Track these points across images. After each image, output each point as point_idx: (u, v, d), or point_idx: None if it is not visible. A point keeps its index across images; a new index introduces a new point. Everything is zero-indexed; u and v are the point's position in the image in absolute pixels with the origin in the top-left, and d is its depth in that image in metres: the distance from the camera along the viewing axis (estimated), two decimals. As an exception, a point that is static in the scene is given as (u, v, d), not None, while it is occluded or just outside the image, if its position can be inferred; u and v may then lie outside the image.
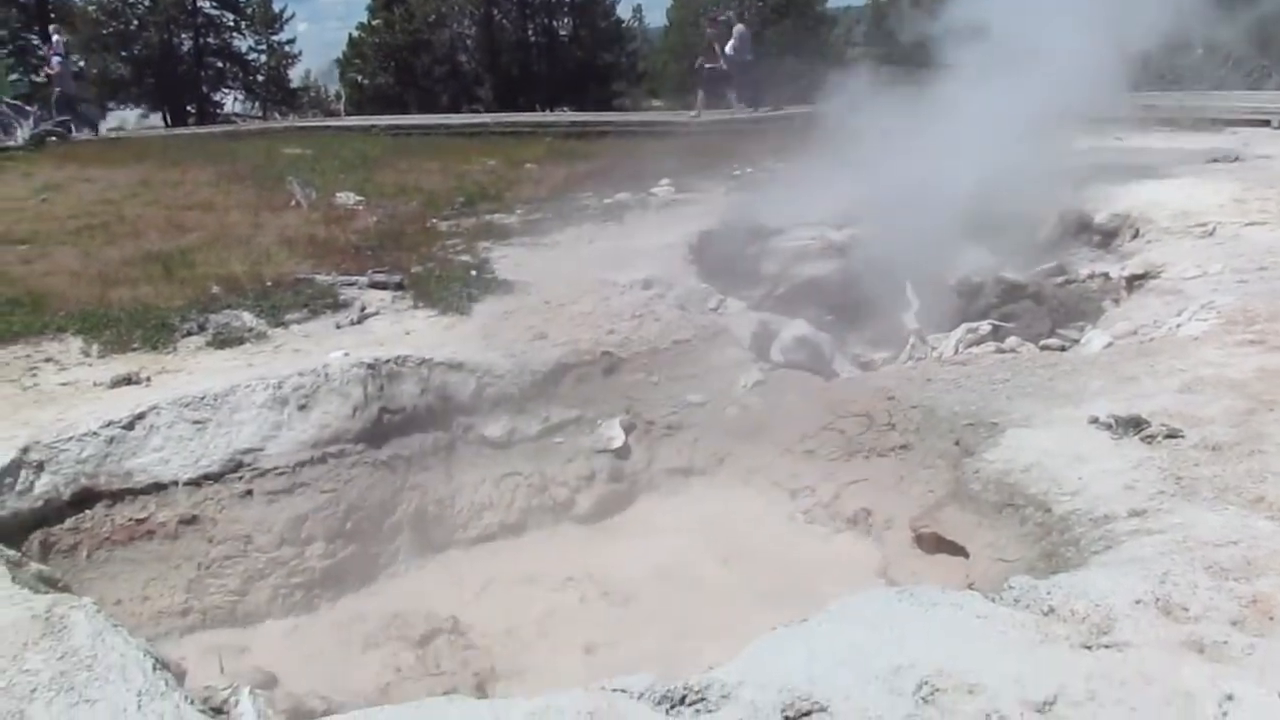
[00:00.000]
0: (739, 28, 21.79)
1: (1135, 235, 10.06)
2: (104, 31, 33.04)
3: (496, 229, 11.61)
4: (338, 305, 8.46)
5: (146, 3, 33.68)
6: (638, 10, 38.70)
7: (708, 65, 22.18)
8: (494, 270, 9.58)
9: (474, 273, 9.47)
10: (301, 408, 6.43)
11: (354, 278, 9.09)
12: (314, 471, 6.20)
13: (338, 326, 8.03)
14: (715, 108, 21.90)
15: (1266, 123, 16.12)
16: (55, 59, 23.54)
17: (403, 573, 6.21)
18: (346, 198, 13.63)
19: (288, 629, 5.70)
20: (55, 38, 24.49)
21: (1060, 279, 10.12)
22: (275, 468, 6.14)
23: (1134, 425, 5.30)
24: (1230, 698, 2.99)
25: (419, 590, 6.04)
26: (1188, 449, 5.02)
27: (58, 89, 23.64)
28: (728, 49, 21.45)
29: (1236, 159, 12.80)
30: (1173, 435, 5.18)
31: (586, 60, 35.46)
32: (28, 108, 21.28)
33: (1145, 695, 3.01)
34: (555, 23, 35.86)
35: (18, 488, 5.54)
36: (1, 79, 26.51)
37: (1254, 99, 19.12)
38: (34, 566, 4.82)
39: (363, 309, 8.38)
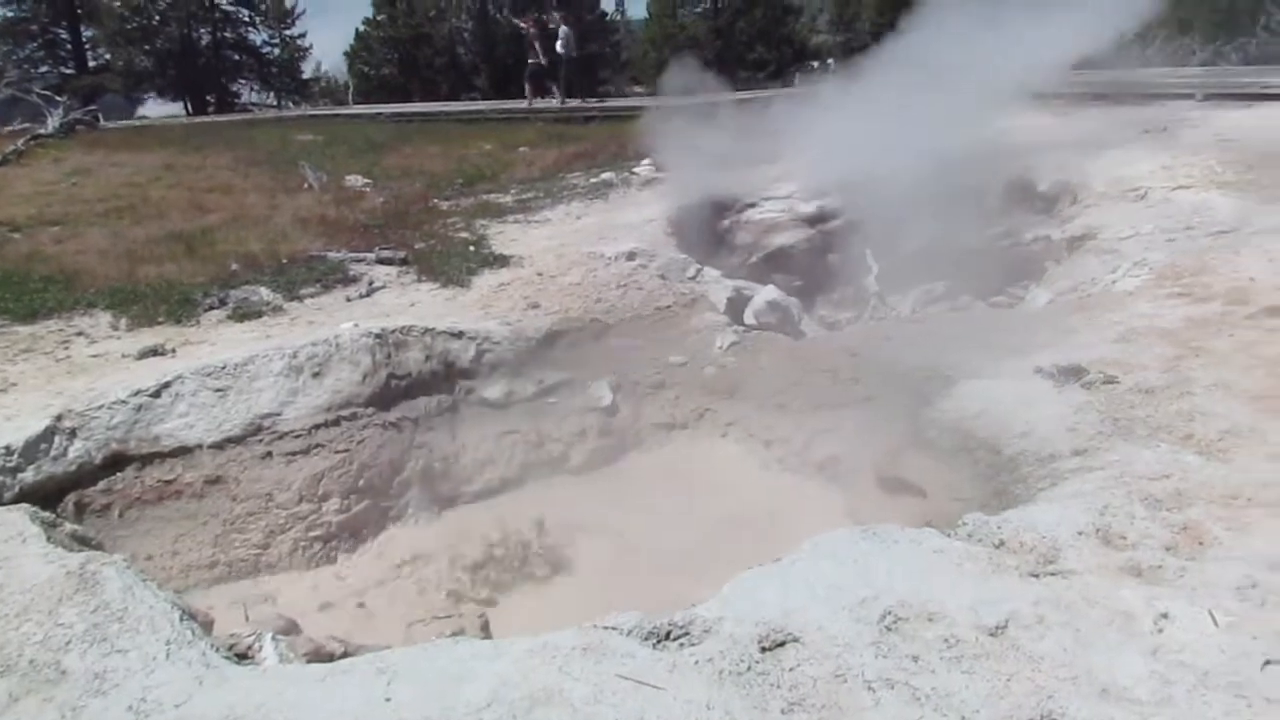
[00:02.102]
0: (564, 29, 21.95)
1: (1074, 201, 10.06)
2: (128, 26, 32.65)
3: (493, 207, 11.53)
4: (348, 280, 8.39)
5: (167, 1, 33.27)
6: (620, 4, 38.41)
7: (529, 61, 22.59)
8: (491, 246, 9.52)
9: (472, 248, 9.40)
10: (315, 375, 6.39)
11: (362, 254, 9.01)
12: (328, 434, 6.17)
13: (348, 300, 7.96)
14: (543, 98, 22.23)
15: (1191, 96, 16.09)
16: None
17: (413, 525, 6.18)
18: (355, 180, 13.51)
19: (307, 579, 5.68)
20: None
21: (1007, 241, 10.11)
22: (292, 430, 6.11)
23: (1075, 373, 5.35)
24: (1165, 615, 3.02)
25: (428, 540, 6.01)
26: (1123, 393, 5.07)
27: None
28: (558, 47, 21.68)
29: (1165, 129, 12.77)
30: (1110, 381, 5.23)
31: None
32: (58, 97, 20.99)
33: (1089, 617, 3.04)
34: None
35: (52, 453, 5.49)
36: None
37: (1179, 74, 19.12)
38: (68, 526, 4.77)
39: (371, 283, 8.31)
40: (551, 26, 22.36)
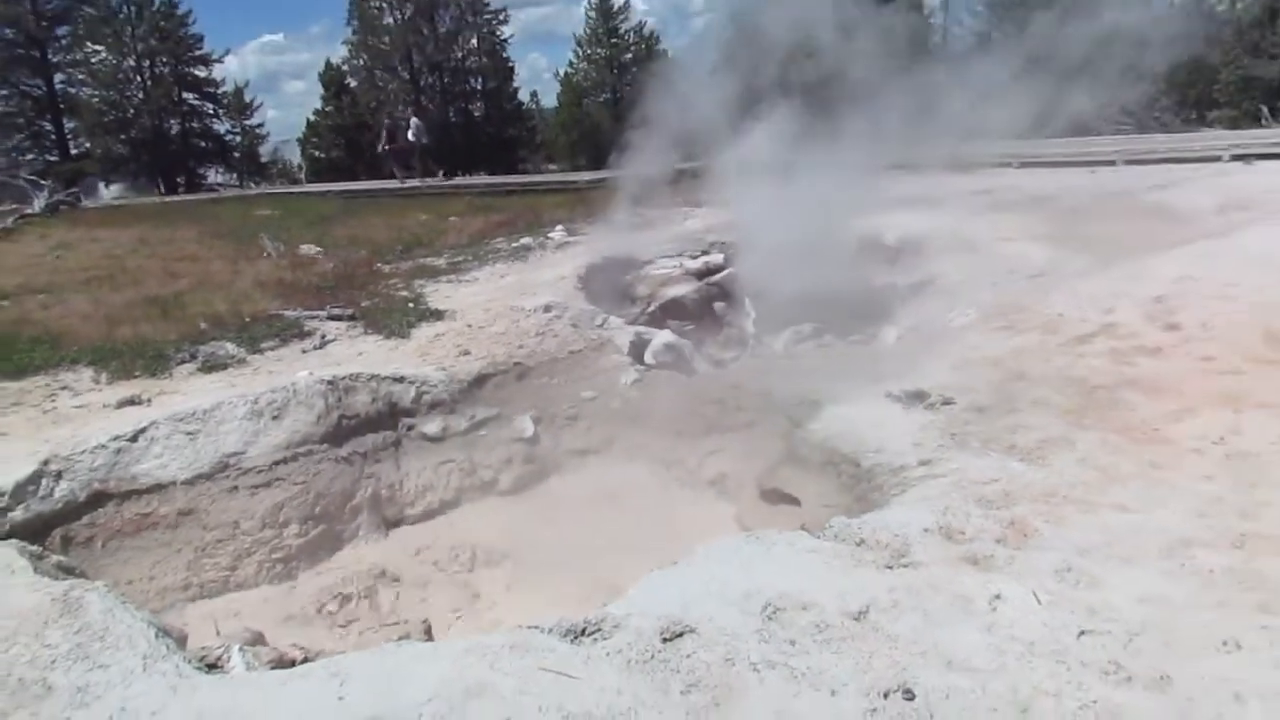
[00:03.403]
0: (415, 121, 23.28)
1: (917, 252, 10.27)
2: (106, 119, 31.88)
3: (428, 269, 11.42)
4: (303, 334, 8.23)
5: (141, 95, 32.56)
6: (534, 95, 38.56)
7: (389, 147, 23.55)
8: (427, 302, 9.42)
9: (411, 304, 9.30)
10: (275, 417, 6.26)
11: (316, 312, 8.85)
12: (288, 468, 6.04)
13: (303, 351, 7.81)
14: (411, 178, 22.81)
15: (1008, 164, 16.61)
16: None
17: (363, 545, 6.06)
18: (308, 248, 13.30)
19: (271, 595, 5.53)
20: None
21: (861, 288, 10.29)
22: (255, 466, 5.97)
23: (919, 397, 5.45)
24: (998, 596, 3.10)
25: (378, 558, 5.90)
26: (959, 412, 5.19)
27: None
28: (409, 135, 22.80)
29: (989, 192, 13.16)
30: (948, 402, 5.34)
31: (496, 134, 35.18)
32: (43, 181, 20.36)
33: (935, 600, 3.10)
34: (470, 106, 35.56)
35: (40, 493, 5.30)
36: None
37: (1004, 145, 19.70)
38: (54, 558, 4.59)
39: (323, 337, 8.17)
40: (403, 123, 23.85)
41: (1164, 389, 5.13)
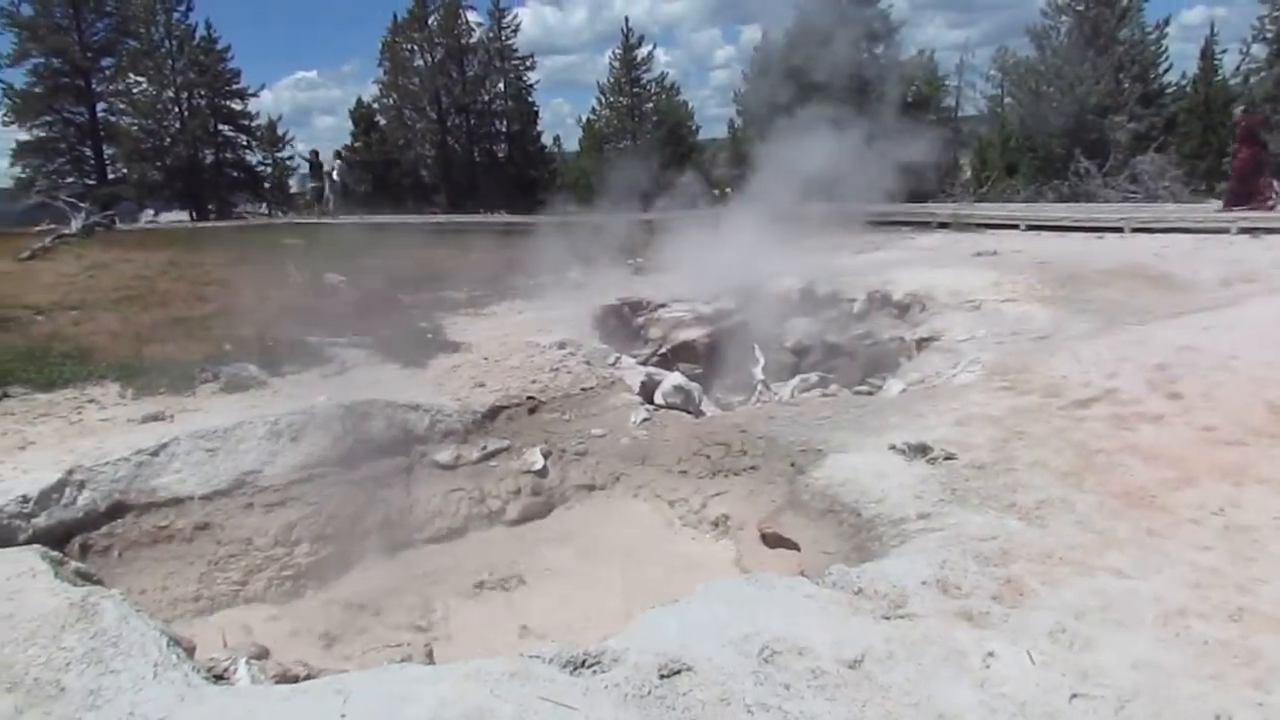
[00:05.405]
0: (339, 163, 26.40)
1: (923, 309, 10.34)
2: (143, 146, 32.33)
3: (448, 302, 11.51)
4: (324, 360, 8.28)
5: (178, 125, 33.03)
6: (557, 139, 38.86)
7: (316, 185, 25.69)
8: (445, 334, 9.49)
9: (430, 336, 9.35)
10: (293, 439, 6.32)
11: (337, 339, 8.91)
12: (302, 488, 6.08)
13: (323, 376, 7.87)
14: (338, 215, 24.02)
15: (1015, 226, 16.68)
16: None
17: (371, 567, 6.06)
18: (333, 277, 13.39)
19: (279, 611, 5.53)
20: None
21: (869, 341, 10.36)
22: (271, 485, 6.01)
23: (921, 450, 5.42)
24: (991, 654, 3.08)
25: (384, 580, 5.90)
26: (960, 468, 5.16)
27: None
28: (334, 176, 25.28)
29: (994, 253, 13.21)
30: (950, 457, 5.32)
31: (518, 175, 35.46)
32: (81, 204, 20.55)
33: (929, 653, 3.09)
34: (495, 148, 35.89)
35: (63, 502, 5.35)
36: None
37: (1007, 209, 19.81)
38: (73, 565, 4.64)
39: (343, 363, 8.23)
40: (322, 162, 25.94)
41: (1164, 457, 5.09)
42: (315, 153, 26.79)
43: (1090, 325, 8.43)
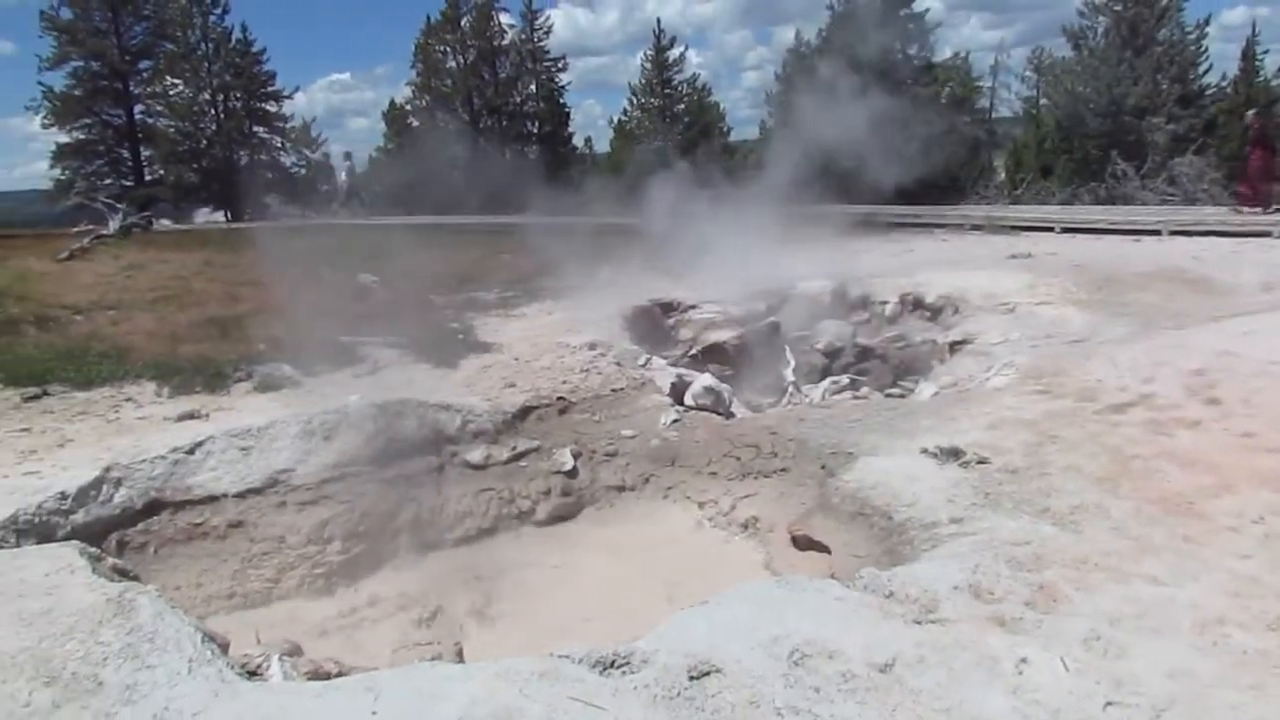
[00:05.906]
0: (349, 164, 26.63)
1: (956, 311, 10.26)
2: (180, 149, 32.82)
3: (479, 303, 11.58)
4: (356, 360, 8.36)
5: (214, 127, 33.50)
6: (588, 140, 39.03)
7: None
8: (476, 334, 9.55)
9: (461, 336, 9.42)
10: (326, 438, 6.37)
11: (369, 339, 8.99)
12: (334, 487, 6.13)
13: (355, 376, 7.94)
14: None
15: (1051, 229, 16.52)
16: None
17: (402, 565, 6.10)
18: (366, 278, 13.50)
19: (311, 608, 5.58)
20: None
21: (900, 344, 10.29)
22: (304, 484, 6.08)
23: (954, 454, 5.36)
24: (1024, 660, 3.03)
25: (415, 579, 5.94)
26: (993, 472, 5.10)
27: None
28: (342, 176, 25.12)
29: (1029, 256, 13.08)
30: (982, 461, 5.25)
31: (550, 178, 35.69)
32: (118, 205, 20.88)
33: (961, 659, 3.05)
34: (526, 149, 36.08)
35: (100, 499, 5.45)
36: None
37: (1041, 210, 19.62)
38: (110, 561, 4.68)
39: (375, 363, 8.30)
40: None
41: (1201, 463, 4.98)
42: (348, 154, 27.47)
43: (1126, 329, 8.31)
